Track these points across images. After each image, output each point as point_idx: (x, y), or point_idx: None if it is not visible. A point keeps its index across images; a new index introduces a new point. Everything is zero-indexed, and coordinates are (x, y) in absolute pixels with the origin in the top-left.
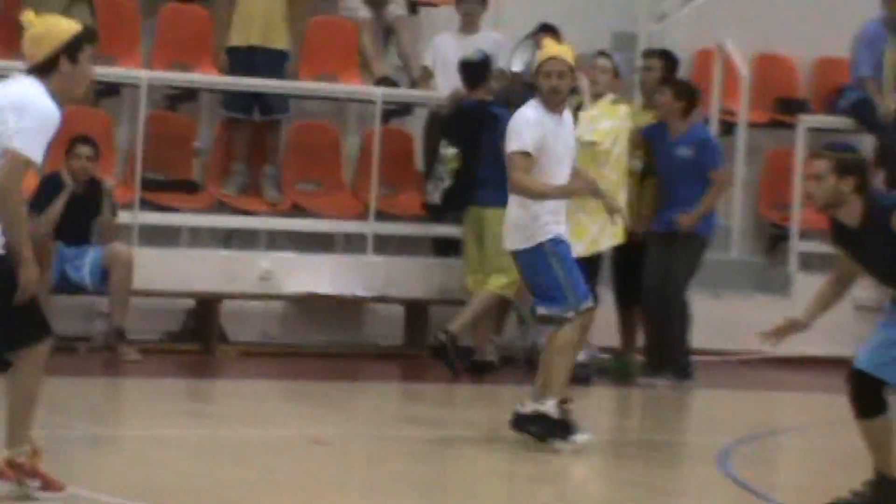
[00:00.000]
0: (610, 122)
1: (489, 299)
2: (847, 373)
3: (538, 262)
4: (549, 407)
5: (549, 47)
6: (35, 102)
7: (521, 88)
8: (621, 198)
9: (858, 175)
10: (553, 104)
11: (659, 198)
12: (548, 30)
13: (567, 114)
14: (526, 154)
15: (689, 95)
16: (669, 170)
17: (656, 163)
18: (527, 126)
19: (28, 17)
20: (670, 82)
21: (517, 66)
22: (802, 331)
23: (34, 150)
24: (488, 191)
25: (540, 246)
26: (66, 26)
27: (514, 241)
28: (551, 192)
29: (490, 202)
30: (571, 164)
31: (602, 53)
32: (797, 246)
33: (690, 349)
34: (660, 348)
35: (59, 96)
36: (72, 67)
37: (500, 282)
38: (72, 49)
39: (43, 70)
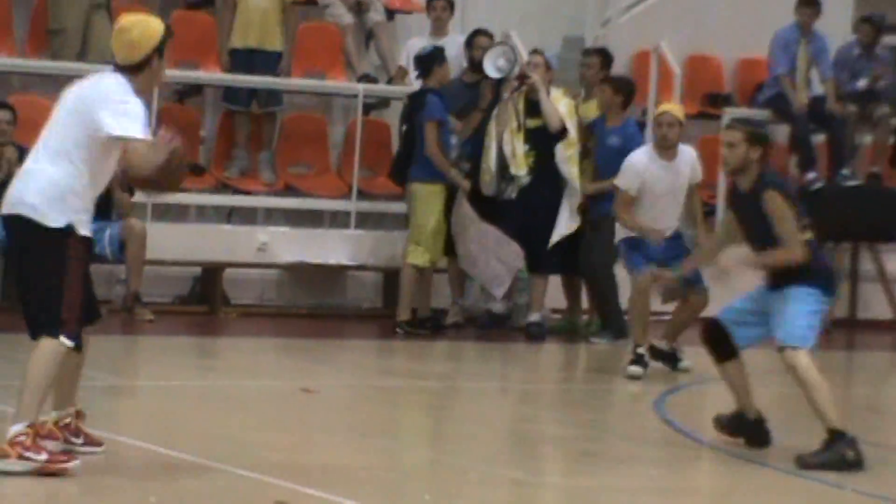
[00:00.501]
0: (563, 108)
1: (408, 274)
2: (704, 323)
3: None
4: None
5: (665, 104)
6: (126, 98)
7: (460, 84)
8: (575, 171)
9: (763, 147)
10: (663, 149)
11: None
12: (483, 34)
13: (680, 157)
14: (626, 191)
15: (627, 91)
16: (601, 157)
17: (595, 151)
18: (633, 171)
19: (124, 20)
20: (610, 80)
21: (492, 73)
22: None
23: (139, 130)
24: (416, 167)
25: None
26: (157, 27)
27: None
28: (632, 226)
29: (416, 177)
30: (676, 200)
31: (534, 51)
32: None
33: (622, 311)
34: (600, 312)
35: (142, 91)
36: (159, 64)
37: (416, 256)
38: (161, 48)
39: (136, 68)
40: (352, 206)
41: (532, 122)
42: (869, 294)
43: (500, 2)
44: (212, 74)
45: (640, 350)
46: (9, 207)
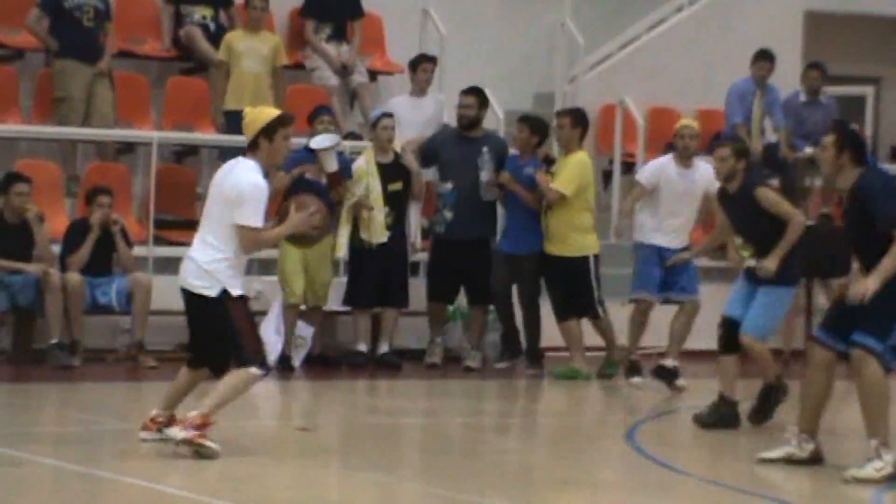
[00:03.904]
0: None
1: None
2: (720, 319)
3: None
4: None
5: (685, 119)
6: (247, 182)
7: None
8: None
9: (746, 159)
10: (683, 157)
11: (506, 219)
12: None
13: (696, 168)
14: (642, 185)
15: (543, 132)
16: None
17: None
18: (651, 169)
19: (247, 110)
20: (527, 120)
21: (314, 144)
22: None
23: (252, 220)
24: None
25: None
26: (266, 115)
27: None
28: (623, 212)
29: None
30: (687, 205)
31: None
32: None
33: (518, 332)
34: (516, 346)
35: (263, 166)
36: (269, 145)
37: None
38: (268, 131)
39: (251, 148)
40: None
41: (392, 187)
42: None
43: (474, 62)
44: (207, 135)
45: (634, 357)
46: None
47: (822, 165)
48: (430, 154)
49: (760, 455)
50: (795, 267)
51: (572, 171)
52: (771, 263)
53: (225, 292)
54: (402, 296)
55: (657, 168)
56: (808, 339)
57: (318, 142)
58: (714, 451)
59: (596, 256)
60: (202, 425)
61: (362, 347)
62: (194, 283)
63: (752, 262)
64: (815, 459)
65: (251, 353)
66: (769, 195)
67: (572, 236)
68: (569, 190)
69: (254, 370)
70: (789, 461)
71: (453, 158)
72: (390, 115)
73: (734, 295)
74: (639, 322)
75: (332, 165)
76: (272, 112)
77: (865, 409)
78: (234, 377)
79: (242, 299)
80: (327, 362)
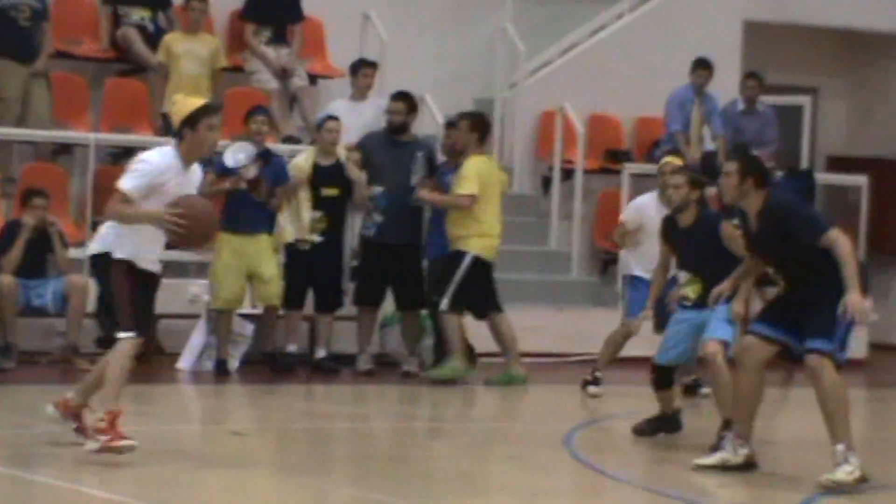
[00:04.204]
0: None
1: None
2: (649, 366)
3: None
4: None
5: (672, 159)
6: (141, 156)
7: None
8: None
9: (700, 190)
10: (665, 199)
11: (430, 225)
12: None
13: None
14: (624, 224)
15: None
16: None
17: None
18: (634, 208)
19: (175, 97)
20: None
21: (231, 163)
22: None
23: (124, 183)
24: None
25: None
26: (191, 104)
27: None
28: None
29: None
30: None
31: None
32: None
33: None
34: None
35: (185, 157)
36: (192, 135)
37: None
38: (191, 121)
39: (178, 137)
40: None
41: (327, 191)
42: None
43: (414, 66)
44: (144, 137)
45: (599, 374)
46: None
47: (724, 192)
48: (362, 158)
49: (696, 462)
50: None
51: (468, 172)
52: (738, 306)
53: (107, 254)
54: (334, 301)
55: (639, 207)
56: (743, 335)
57: (234, 160)
58: (650, 458)
59: (479, 259)
60: (109, 428)
61: (292, 349)
62: (90, 247)
63: (690, 294)
64: (749, 465)
65: (124, 318)
66: (733, 232)
67: (460, 235)
68: (475, 189)
69: (125, 334)
70: (724, 467)
71: (384, 162)
72: (336, 119)
73: (668, 342)
74: (617, 342)
75: (249, 173)
76: (197, 101)
77: (827, 415)
78: (114, 356)
79: (124, 264)
80: (264, 363)
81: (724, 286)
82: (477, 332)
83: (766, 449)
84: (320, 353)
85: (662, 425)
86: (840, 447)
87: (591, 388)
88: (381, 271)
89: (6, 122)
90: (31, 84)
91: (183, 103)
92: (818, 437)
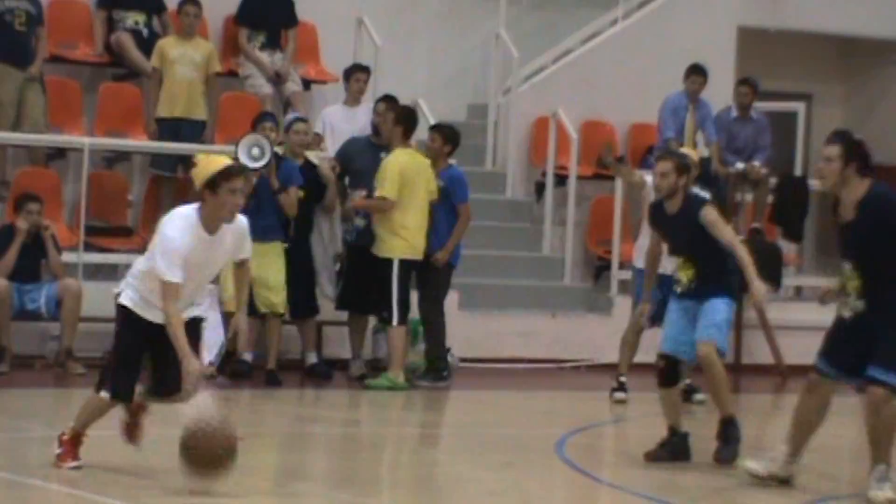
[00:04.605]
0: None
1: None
2: (657, 355)
3: None
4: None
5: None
6: (162, 233)
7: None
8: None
9: (688, 175)
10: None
11: None
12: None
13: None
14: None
15: (455, 140)
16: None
17: None
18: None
19: (197, 157)
20: (440, 129)
21: (249, 163)
22: None
23: (168, 274)
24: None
25: None
26: (213, 165)
27: None
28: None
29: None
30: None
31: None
32: (617, 275)
33: (445, 356)
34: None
35: (206, 221)
36: (213, 198)
37: None
38: (212, 185)
39: (200, 199)
40: None
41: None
42: (752, 341)
43: (408, 72)
44: (139, 142)
45: (623, 379)
46: None
47: (823, 177)
48: (343, 162)
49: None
50: (735, 282)
51: (385, 173)
52: (760, 287)
53: (118, 295)
54: (307, 306)
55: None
56: (811, 371)
57: (248, 157)
58: (642, 464)
59: (403, 262)
60: (68, 445)
61: (247, 357)
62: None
63: (683, 281)
64: (788, 481)
65: (105, 372)
66: (716, 216)
67: (382, 235)
68: (392, 192)
69: (101, 394)
70: (769, 478)
71: (366, 167)
72: (304, 120)
73: (669, 330)
74: (631, 342)
75: (274, 183)
76: (218, 163)
77: (877, 440)
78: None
79: (124, 311)
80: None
81: (760, 289)
82: (458, 334)
83: (758, 455)
84: (311, 358)
85: (674, 450)
86: (882, 466)
87: (617, 395)
88: (366, 275)
89: (0, 126)
90: (26, 88)
91: (205, 164)
92: (810, 443)
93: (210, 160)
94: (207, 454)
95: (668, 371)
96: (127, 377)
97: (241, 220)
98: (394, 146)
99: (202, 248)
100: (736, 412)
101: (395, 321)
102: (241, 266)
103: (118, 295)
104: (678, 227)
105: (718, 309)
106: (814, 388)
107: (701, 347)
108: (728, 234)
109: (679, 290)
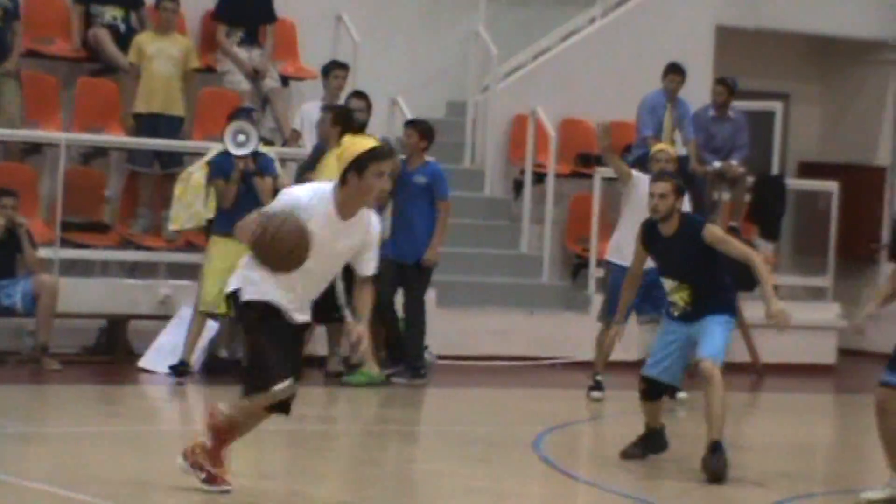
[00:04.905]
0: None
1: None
2: (640, 377)
3: None
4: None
5: (665, 146)
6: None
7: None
8: None
9: (681, 198)
10: (651, 208)
11: (394, 225)
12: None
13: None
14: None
15: (430, 136)
16: (408, 195)
17: (395, 193)
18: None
19: (345, 139)
20: (416, 125)
21: (235, 151)
22: None
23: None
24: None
25: None
26: (360, 146)
27: None
28: None
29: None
30: None
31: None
32: (595, 273)
33: (423, 354)
34: (401, 354)
35: (341, 204)
36: (358, 181)
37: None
38: (359, 165)
39: (341, 182)
40: None
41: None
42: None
43: (387, 69)
44: (116, 137)
45: (599, 378)
46: None
47: None
48: (317, 159)
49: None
50: (734, 299)
51: (327, 174)
52: (778, 306)
53: (237, 290)
54: (330, 314)
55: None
56: (878, 388)
57: (235, 144)
58: (619, 462)
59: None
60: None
61: (223, 353)
62: None
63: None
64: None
65: (249, 378)
66: (720, 234)
67: None
68: None
69: (256, 400)
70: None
71: None
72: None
73: (659, 355)
74: (606, 342)
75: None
76: (366, 143)
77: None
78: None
79: (250, 307)
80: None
81: (870, 307)
82: (436, 332)
83: (734, 454)
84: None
85: (650, 445)
86: None
87: (593, 394)
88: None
89: None
90: (2, 83)
91: (349, 144)
92: (786, 442)
93: (356, 140)
94: (280, 251)
95: (651, 390)
96: (282, 362)
97: (375, 224)
98: (330, 147)
99: (328, 230)
100: None
101: (348, 317)
102: (365, 283)
103: (229, 291)
104: (674, 250)
105: (719, 329)
106: (886, 406)
107: (704, 363)
108: (741, 249)
109: (676, 313)
